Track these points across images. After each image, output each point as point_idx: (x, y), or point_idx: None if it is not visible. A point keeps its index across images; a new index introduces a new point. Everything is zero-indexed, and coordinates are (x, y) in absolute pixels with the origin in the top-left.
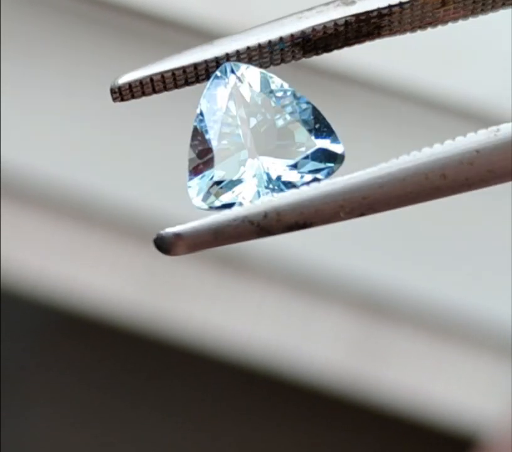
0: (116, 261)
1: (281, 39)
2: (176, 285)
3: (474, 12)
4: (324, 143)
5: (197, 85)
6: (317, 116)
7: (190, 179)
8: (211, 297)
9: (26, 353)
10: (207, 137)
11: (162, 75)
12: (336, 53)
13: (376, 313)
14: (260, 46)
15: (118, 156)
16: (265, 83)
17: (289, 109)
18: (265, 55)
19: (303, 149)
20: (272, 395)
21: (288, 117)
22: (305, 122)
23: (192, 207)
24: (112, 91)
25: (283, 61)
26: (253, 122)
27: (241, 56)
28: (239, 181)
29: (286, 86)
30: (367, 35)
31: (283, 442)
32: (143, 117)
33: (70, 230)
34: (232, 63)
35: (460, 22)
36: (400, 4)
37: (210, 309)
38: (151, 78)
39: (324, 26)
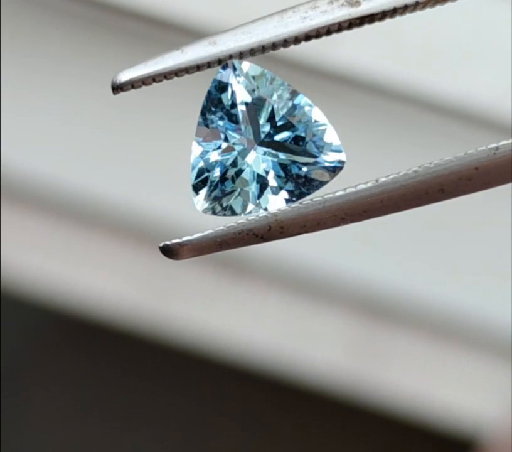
0: (116, 263)
1: (285, 41)
2: (176, 288)
3: None
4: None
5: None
6: (318, 117)
7: (194, 182)
8: (211, 299)
9: (25, 354)
10: (209, 150)
11: (164, 75)
12: (335, 54)
13: (376, 315)
14: (263, 47)
15: (118, 158)
16: (267, 82)
17: (290, 111)
18: (266, 52)
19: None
20: (272, 398)
21: (289, 118)
22: (305, 123)
23: (193, 209)
24: (113, 88)
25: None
26: (255, 122)
27: (244, 56)
28: (242, 185)
29: (288, 86)
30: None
31: (283, 445)
32: (143, 119)
33: (70, 232)
34: (235, 62)
35: (460, 22)
36: (405, 6)
37: (210, 312)
38: (153, 78)
39: (328, 28)
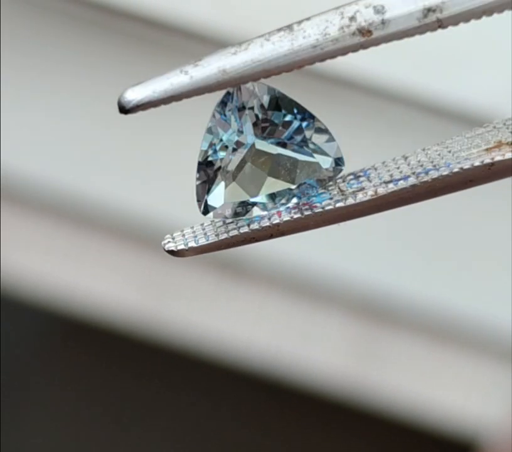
0: (116, 265)
1: (294, 67)
2: (176, 290)
3: None
4: (325, 161)
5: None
6: (324, 131)
7: (197, 186)
8: (211, 301)
9: (25, 357)
10: (215, 151)
11: (173, 99)
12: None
13: (376, 318)
14: (273, 73)
15: (118, 159)
16: (274, 101)
17: (297, 128)
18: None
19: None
20: (271, 400)
21: (295, 136)
22: (311, 142)
23: (193, 211)
24: (121, 109)
25: None
26: (260, 139)
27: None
28: (245, 192)
29: (296, 104)
30: None
31: (284, 447)
32: (144, 122)
33: (70, 234)
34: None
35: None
36: (414, 34)
37: (210, 314)
38: (162, 101)
39: (337, 54)
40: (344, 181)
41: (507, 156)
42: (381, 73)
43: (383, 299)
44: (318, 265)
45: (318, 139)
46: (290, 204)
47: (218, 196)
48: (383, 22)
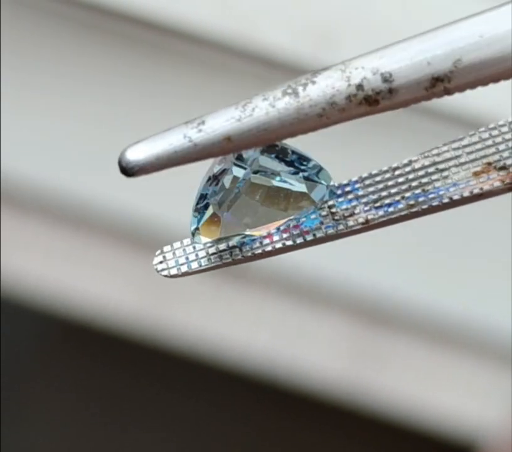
0: (115, 269)
1: (298, 135)
2: (175, 293)
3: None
4: (319, 189)
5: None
6: (313, 161)
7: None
8: (209, 305)
9: (25, 358)
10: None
11: (177, 164)
12: (335, 56)
13: (374, 320)
14: (278, 145)
15: (116, 163)
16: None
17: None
18: None
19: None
20: (270, 403)
21: (284, 178)
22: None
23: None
24: (125, 172)
25: None
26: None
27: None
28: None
29: (291, 150)
30: None
31: (281, 448)
32: (144, 124)
33: (70, 237)
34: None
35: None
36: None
37: (209, 317)
38: (166, 167)
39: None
40: (332, 199)
41: (496, 184)
42: None
43: (380, 302)
44: (317, 268)
45: (310, 169)
46: (281, 227)
47: (211, 226)
48: (390, 91)
